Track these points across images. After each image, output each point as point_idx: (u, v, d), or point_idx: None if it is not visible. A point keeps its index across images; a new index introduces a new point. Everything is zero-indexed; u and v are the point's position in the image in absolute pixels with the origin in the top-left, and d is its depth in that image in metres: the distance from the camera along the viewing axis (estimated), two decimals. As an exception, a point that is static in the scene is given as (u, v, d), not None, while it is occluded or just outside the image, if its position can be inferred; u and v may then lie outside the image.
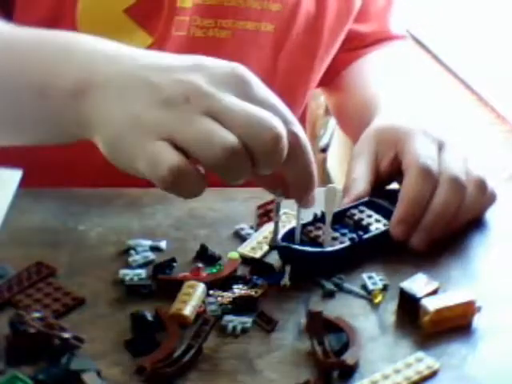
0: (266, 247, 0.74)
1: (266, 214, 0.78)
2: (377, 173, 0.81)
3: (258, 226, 0.77)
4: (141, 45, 0.89)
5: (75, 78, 0.65)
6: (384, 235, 0.74)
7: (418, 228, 0.74)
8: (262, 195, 0.76)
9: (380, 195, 0.79)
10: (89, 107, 0.64)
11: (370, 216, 0.76)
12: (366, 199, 0.78)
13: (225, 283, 0.68)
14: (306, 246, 0.71)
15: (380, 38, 1.09)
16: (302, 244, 0.71)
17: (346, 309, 0.67)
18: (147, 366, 0.58)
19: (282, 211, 0.74)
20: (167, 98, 0.61)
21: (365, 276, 0.70)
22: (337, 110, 1.12)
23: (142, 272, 0.70)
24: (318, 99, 1.45)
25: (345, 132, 1.12)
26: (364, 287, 0.69)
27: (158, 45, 0.90)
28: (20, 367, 0.59)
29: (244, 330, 0.64)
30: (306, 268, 0.70)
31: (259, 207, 0.78)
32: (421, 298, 0.65)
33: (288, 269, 0.70)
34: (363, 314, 0.67)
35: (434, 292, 0.67)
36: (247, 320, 0.65)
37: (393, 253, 0.74)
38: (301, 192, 0.67)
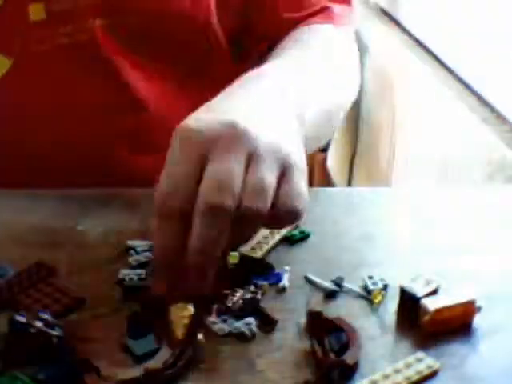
0: (266, 247, 0.74)
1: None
2: None
3: None
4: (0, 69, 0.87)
5: None
6: None
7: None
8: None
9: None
10: None
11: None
12: None
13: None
14: None
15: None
16: None
17: (346, 309, 0.67)
18: (148, 368, 0.58)
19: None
20: None
21: (365, 276, 0.70)
22: None
23: (142, 272, 0.70)
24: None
25: None
26: (364, 287, 0.69)
27: (20, 65, 0.87)
28: (20, 367, 0.59)
29: (252, 333, 0.64)
30: None
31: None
32: (421, 297, 0.65)
33: (288, 269, 0.70)
34: (363, 314, 0.67)
35: (434, 292, 0.67)
36: (251, 321, 0.65)
37: (393, 253, 0.74)
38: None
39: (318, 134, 0.85)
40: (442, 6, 1.94)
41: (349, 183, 2.17)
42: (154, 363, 0.59)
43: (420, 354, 0.62)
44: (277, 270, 0.71)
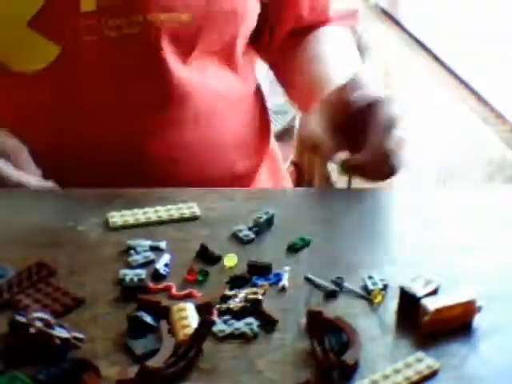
0: (265, 247, 0.74)
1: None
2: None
3: None
4: (48, 56, 0.89)
5: None
6: None
7: None
8: (262, 195, 0.76)
9: None
10: None
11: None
12: None
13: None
14: None
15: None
16: None
17: (346, 309, 0.67)
18: (148, 367, 0.58)
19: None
20: None
21: (365, 276, 0.70)
22: (287, 81, 1.10)
23: (142, 272, 0.70)
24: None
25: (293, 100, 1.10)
26: (364, 287, 0.69)
27: (68, 53, 0.90)
28: (20, 367, 0.59)
29: (254, 333, 0.64)
30: None
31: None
32: (421, 297, 0.65)
33: (288, 269, 0.70)
34: (363, 314, 0.67)
35: (434, 292, 0.67)
36: (252, 321, 0.65)
37: (393, 253, 0.74)
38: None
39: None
40: (442, 6, 1.94)
41: (349, 183, 2.17)
42: (155, 362, 0.59)
43: (420, 354, 0.62)
44: (277, 270, 0.71)
